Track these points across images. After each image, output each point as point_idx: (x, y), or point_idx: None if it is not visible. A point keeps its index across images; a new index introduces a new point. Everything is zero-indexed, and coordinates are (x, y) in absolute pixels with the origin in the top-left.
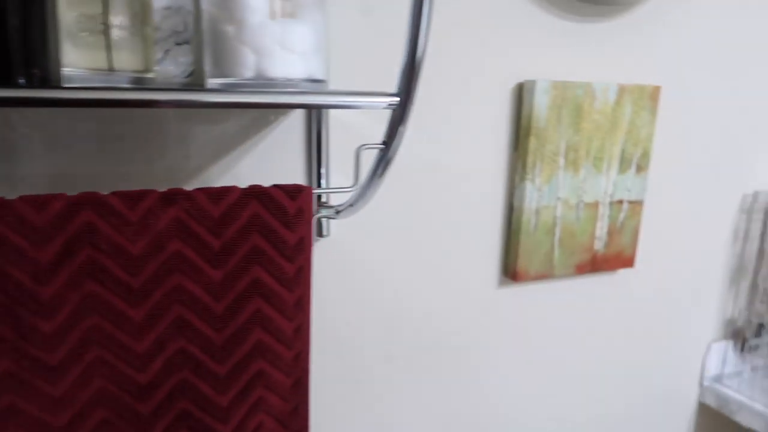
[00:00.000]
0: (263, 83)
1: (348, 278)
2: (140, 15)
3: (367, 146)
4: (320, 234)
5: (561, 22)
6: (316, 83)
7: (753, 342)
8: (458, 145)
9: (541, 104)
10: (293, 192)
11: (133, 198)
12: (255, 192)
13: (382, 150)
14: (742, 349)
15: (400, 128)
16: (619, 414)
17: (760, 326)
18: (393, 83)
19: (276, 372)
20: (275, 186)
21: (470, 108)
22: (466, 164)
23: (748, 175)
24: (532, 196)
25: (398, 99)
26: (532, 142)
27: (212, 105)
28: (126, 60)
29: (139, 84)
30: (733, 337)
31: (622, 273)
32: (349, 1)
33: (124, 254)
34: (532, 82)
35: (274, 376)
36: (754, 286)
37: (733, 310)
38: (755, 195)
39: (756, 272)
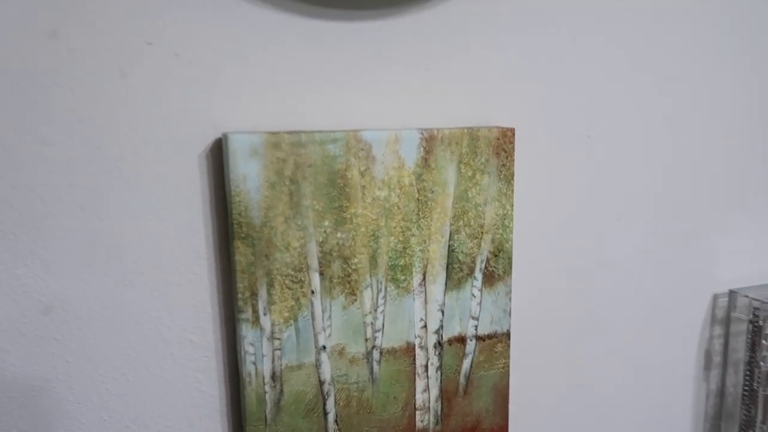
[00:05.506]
0: None
1: None
2: None
3: None
4: None
5: (303, 21)
6: None
7: None
8: (119, 266)
9: (248, 177)
10: None
11: None
12: None
13: None
14: None
15: None
16: None
17: None
18: None
19: None
20: None
21: (139, 183)
22: (137, 297)
23: (709, 266)
24: (258, 349)
25: None
26: (242, 250)
27: None
28: None
29: None
30: None
31: None
32: None
33: None
34: (226, 138)
35: None
36: None
37: None
38: (731, 296)
39: (747, 419)
